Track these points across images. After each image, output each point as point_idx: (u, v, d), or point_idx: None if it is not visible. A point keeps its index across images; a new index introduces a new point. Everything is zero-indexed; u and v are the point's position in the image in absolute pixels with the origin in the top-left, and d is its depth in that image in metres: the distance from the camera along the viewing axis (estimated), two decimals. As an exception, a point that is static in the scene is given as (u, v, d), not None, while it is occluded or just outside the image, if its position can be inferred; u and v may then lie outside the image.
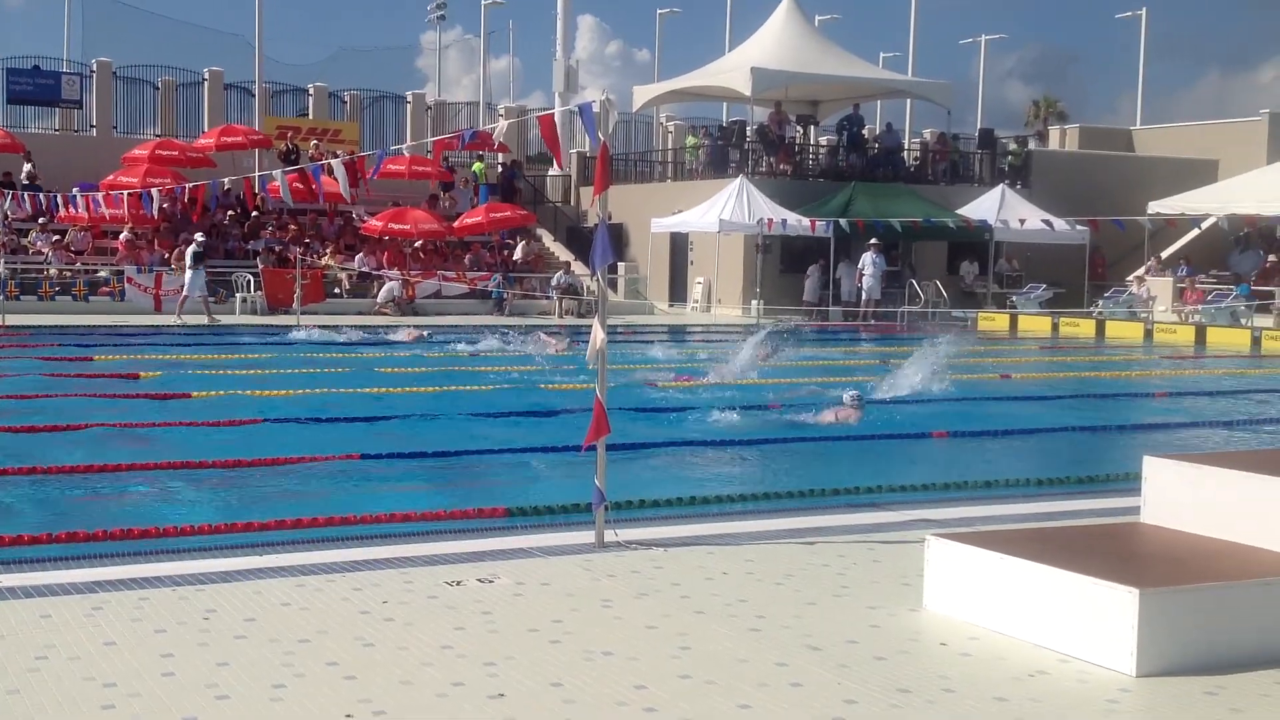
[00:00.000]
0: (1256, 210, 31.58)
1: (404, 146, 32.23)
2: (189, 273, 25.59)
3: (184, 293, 25.57)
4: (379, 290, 29.26)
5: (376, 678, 4.85)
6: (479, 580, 6.30)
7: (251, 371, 16.68)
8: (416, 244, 31.37)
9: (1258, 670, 5.04)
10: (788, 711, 4.58)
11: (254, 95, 36.90)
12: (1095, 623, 5.12)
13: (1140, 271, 31.48)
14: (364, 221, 31.67)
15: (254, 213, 30.79)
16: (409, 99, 39.71)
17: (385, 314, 28.32)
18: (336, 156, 21.69)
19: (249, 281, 28.11)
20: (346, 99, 38.85)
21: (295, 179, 17.94)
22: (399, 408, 13.53)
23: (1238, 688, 4.87)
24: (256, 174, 25.96)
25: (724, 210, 30.51)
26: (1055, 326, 28.69)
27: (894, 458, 11.57)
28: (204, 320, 24.90)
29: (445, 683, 4.81)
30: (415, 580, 6.27)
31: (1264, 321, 27.52)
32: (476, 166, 36.09)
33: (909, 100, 40.96)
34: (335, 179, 14.65)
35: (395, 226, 30.76)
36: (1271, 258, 32.22)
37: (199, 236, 26.92)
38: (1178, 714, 4.61)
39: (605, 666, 5.03)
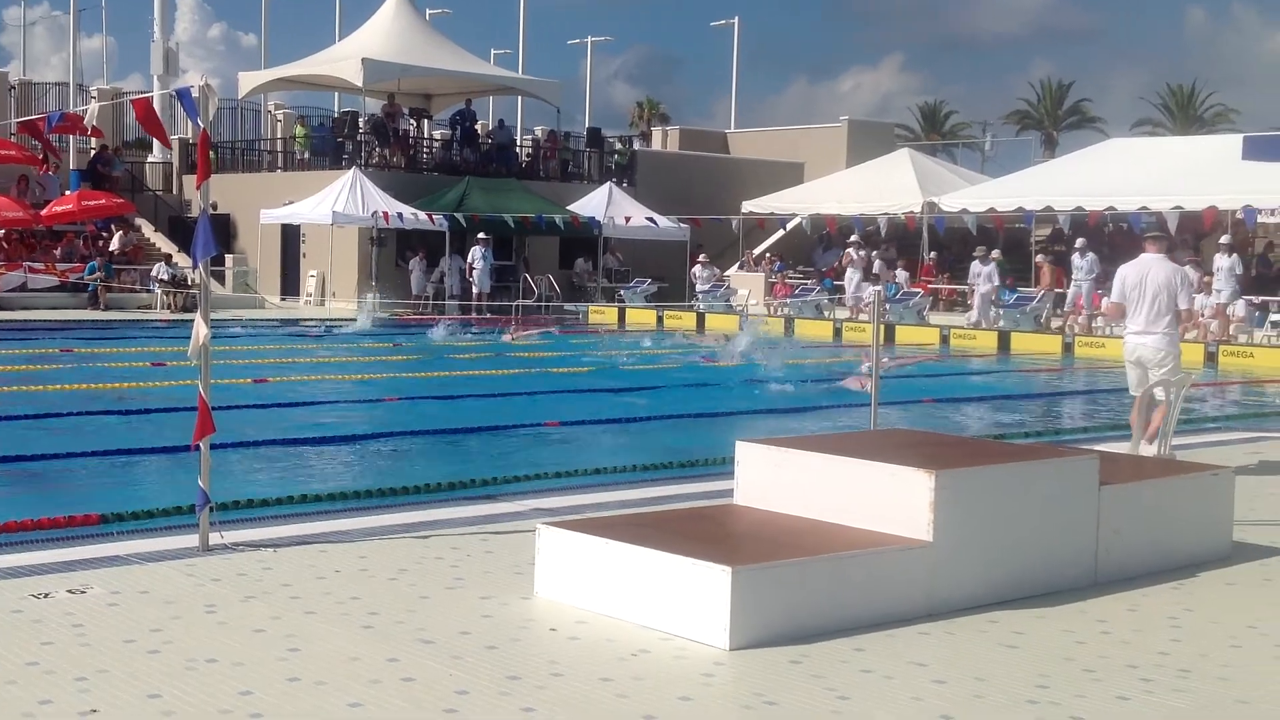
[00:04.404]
0: (837, 210, 34.06)
1: (-19, 127, 29.70)
2: None
3: None
4: (-46, 283, 26.92)
5: (-49, 702, 4.49)
6: (69, 591, 5.93)
7: None
8: (-2, 233, 29.03)
9: (836, 638, 5.46)
10: (400, 707, 4.59)
11: None
12: (692, 601, 5.41)
13: (703, 258, 33.22)
14: (-65, 207, 28.95)
15: None
16: (-12, 76, 36.63)
17: (-39, 308, 26.09)
18: (-100, 136, 19.76)
19: None
20: (-86, 74, 35.42)
21: None
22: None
23: (819, 655, 5.26)
24: None
25: (337, 202, 29.95)
26: (660, 319, 29.93)
27: (508, 448, 11.75)
28: None
29: (31, 701, 4.51)
30: (-4, 595, 5.84)
31: (843, 313, 29.76)
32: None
33: (520, 97, 41.56)
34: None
35: (-28, 214, 28.28)
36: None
37: None
38: (766, 683, 4.94)
39: (208, 674, 4.86)
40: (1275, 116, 67.13)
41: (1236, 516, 7.50)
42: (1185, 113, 66.53)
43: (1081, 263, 27.11)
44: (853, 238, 31.29)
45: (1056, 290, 27.83)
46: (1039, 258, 29.97)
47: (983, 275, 27.83)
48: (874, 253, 30.59)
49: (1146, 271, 10.02)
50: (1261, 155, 16.69)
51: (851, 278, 29.92)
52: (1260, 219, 29.02)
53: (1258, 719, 4.69)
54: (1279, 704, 4.87)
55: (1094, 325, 25.88)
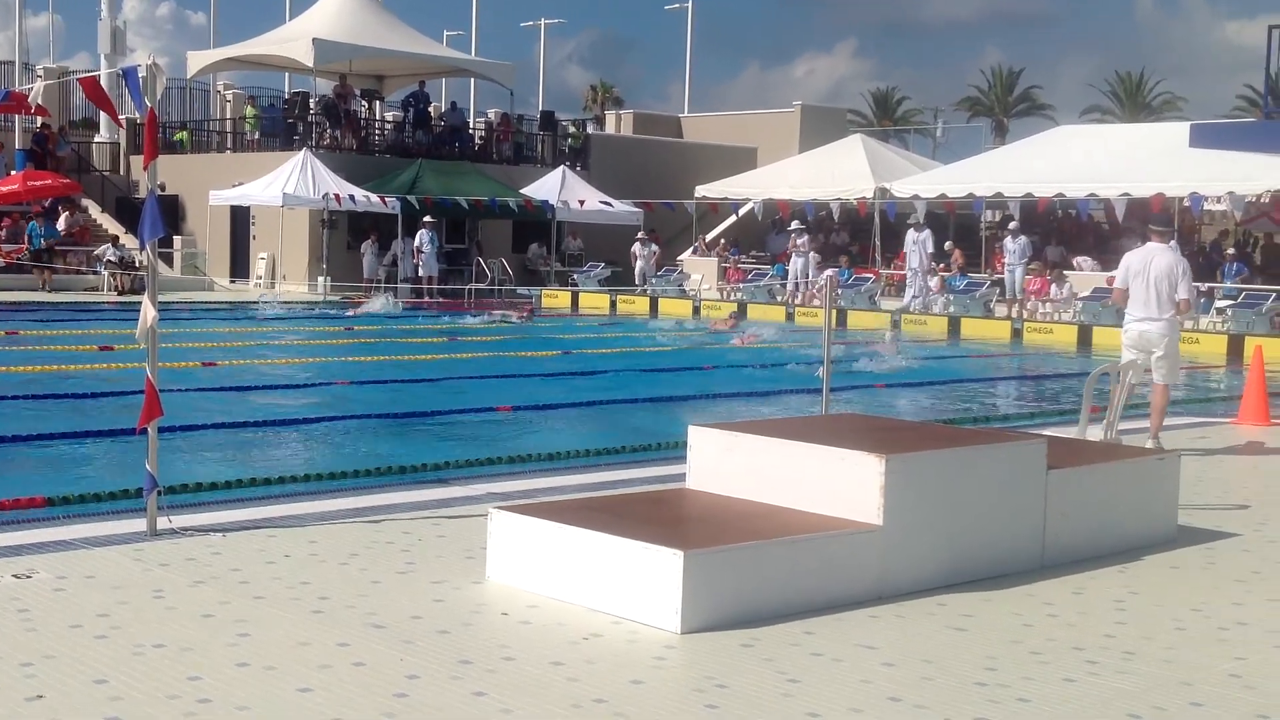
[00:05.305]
0: (790, 196, 34.12)
1: (-77, 104, 29.16)
2: None
3: None
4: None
5: (-107, 689, 4.42)
6: (14, 576, 5.86)
7: None
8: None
9: (787, 622, 5.49)
10: (350, 691, 4.57)
11: None
12: (644, 585, 5.42)
13: (641, 235, 33.15)
14: (-125, 186, 28.47)
15: None
16: (-71, 53, 35.99)
17: (-97, 289, 25.68)
18: None
19: None
20: None
21: None
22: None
23: (770, 639, 5.29)
24: None
25: (288, 184, 29.69)
26: (613, 303, 29.90)
27: (461, 433, 11.71)
28: None
29: (-25, 689, 4.46)
30: (-61, 581, 5.76)
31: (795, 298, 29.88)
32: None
33: (473, 79, 41.34)
34: None
35: (-86, 193, 27.84)
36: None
37: None
38: (717, 666, 4.96)
39: (156, 660, 4.82)
40: (1222, 105, 67.90)
41: (1181, 501, 7.60)
42: (1134, 100, 67.24)
43: (1014, 245, 27.07)
44: (794, 224, 31.34)
45: (995, 275, 28.00)
46: (948, 244, 30.07)
47: (918, 243, 27.70)
48: (804, 240, 30.56)
49: (1150, 260, 10.45)
50: (1208, 143, 16.91)
51: (795, 263, 30.02)
52: (1208, 206, 29.34)
53: (1201, 700, 4.76)
54: (1221, 685, 4.95)
55: (1039, 311, 26.07)
